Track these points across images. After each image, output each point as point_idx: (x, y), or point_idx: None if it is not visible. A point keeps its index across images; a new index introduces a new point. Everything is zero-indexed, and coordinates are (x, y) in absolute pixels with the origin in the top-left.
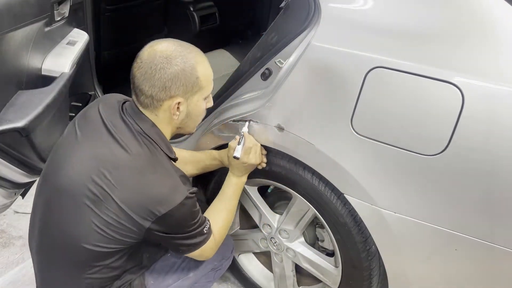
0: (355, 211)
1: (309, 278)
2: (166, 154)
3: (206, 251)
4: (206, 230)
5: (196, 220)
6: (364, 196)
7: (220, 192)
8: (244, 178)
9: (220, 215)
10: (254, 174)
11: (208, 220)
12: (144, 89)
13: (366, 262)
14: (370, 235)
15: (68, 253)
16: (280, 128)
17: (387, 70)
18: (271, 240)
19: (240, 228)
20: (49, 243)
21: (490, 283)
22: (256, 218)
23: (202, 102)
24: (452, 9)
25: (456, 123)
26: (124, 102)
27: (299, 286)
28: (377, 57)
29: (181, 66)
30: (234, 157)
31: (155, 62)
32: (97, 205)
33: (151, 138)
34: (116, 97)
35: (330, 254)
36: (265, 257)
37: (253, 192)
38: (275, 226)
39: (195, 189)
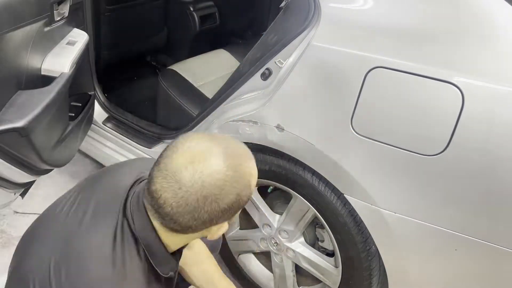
0: (355, 211)
1: (309, 278)
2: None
3: None
4: None
5: None
6: (364, 196)
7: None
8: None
9: None
10: None
11: None
12: (180, 221)
13: (366, 262)
14: (370, 235)
15: None
16: (280, 128)
17: (387, 70)
18: (271, 240)
19: (240, 228)
20: None
21: (490, 283)
22: (256, 218)
23: (225, 225)
24: (452, 9)
25: (456, 123)
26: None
27: (299, 286)
28: (377, 57)
29: (236, 192)
30: None
31: (204, 193)
32: None
33: (147, 257)
34: (123, 183)
35: (330, 254)
36: (265, 257)
37: (253, 192)
38: (275, 226)
39: None
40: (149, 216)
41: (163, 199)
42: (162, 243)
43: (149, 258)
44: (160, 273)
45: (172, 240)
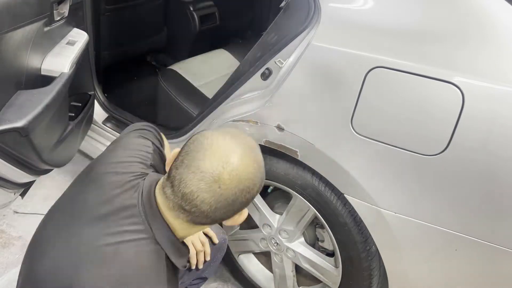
0: (355, 211)
1: (309, 279)
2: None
3: None
4: None
5: None
6: (364, 196)
7: None
8: None
9: None
10: None
11: None
12: (215, 215)
13: (366, 262)
14: (370, 235)
15: None
16: (280, 128)
17: (387, 70)
18: (271, 240)
19: (240, 228)
20: None
21: (490, 283)
22: (256, 218)
23: None
24: (452, 9)
25: (457, 123)
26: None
27: (299, 286)
28: (377, 57)
29: (260, 180)
30: None
31: (241, 187)
32: None
33: (162, 248)
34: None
35: (330, 254)
36: (265, 258)
37: None
38: (275, 226)
39: None
40: (161, 213)
41: (200, 200)
42: (177, 238)
43: (168, 255)
44: (178, 267)
45: (189, 232)
